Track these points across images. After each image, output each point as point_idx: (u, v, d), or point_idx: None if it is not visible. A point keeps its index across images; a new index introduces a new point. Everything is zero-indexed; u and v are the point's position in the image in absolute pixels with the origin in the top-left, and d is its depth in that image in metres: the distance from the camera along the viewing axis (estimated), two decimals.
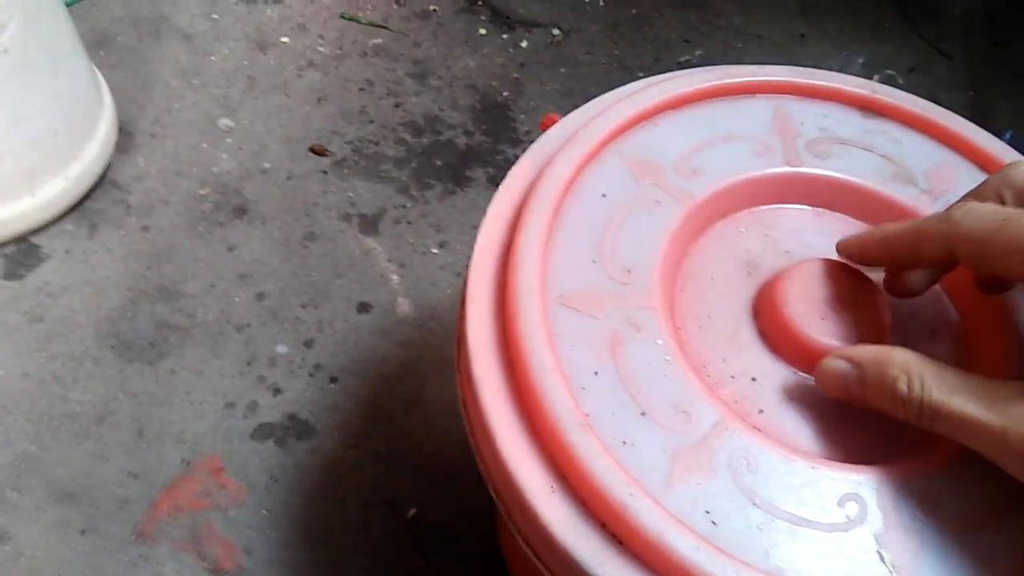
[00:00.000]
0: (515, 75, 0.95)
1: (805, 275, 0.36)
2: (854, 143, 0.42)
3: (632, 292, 0.36)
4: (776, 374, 0.36)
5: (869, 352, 0.32)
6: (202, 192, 0.80)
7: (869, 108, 0.44)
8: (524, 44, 0.99)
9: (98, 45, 0.89)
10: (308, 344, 0.72)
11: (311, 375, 0.70)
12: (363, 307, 0.75)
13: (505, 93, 0.93)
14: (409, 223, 0.81)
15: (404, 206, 0.82)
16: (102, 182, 0.79)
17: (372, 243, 0.79)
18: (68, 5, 0.81)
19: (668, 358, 0.34)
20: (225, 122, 0.86)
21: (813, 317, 0.35)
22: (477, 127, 0.89)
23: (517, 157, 0.44)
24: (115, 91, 0.83)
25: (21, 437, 0.64)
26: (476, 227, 0.40)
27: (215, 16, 0.95)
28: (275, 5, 0.97)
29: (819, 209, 0.42)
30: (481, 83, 0.94)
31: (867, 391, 0.31)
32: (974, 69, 1.04)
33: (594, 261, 0.37)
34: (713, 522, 0.30)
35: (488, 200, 0.41)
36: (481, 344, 0.36)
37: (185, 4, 0.95)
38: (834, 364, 0.33)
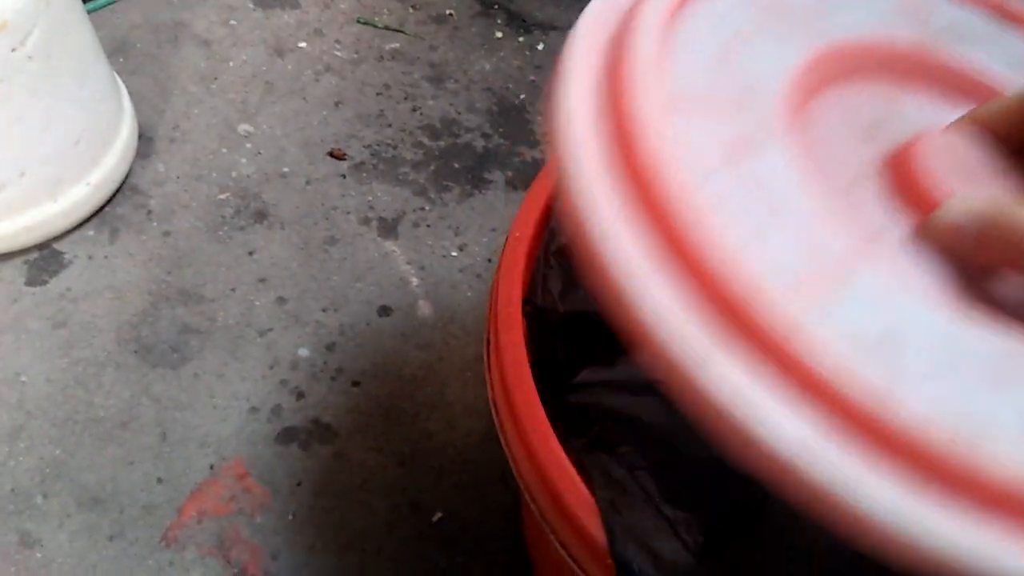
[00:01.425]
0: (532, 77, 0.95)
1: (942, 142, 0.32)
2: (985, 42, 0.40)
3: (755, 108, 0.31)
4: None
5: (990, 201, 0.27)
6: (222, 197, 0.81)
7: (1002, 14, 0.42)
8: (540, 47, 0.99)
9: (117, 52, 0.90)
10: (330, 348, 0.72)
11: (333, 378, 0.70)
12: (383, 310, 0.75)
13: (522, 96, 0.93)
14: (428, 226, 0.81)
15: (423, 209, 0.82)
16: (123, 188, 0.80)
17: (391, 246, 0.79)
18: (88, 13, 0.81)
19: (795, 176, 0.29)
20: (244, 127, 0.86)
21: (950, 183, 0.31)
22: (495, 129, 0.89)
23: (535, 159, 0.44)
24: (135, 97, 0.83)
25: (46, 442, 0.65)
26: (495, 229, 0.40)
27: (232, 22, 0.95)
28: (292, 11, 0.98)
29: (948, 95, 0.39)
30: (498, 86, 0.94)
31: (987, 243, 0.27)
32: None
33: (714, 72, 0.31)
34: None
35: (507, 202, 0.41)
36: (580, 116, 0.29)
37: (203, 10, 0.96)
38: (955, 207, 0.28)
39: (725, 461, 0.39)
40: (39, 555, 0.60)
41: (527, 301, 0.41)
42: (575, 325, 0.41)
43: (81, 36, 0.69)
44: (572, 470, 0.34)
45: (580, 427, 0.38)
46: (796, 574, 0.34)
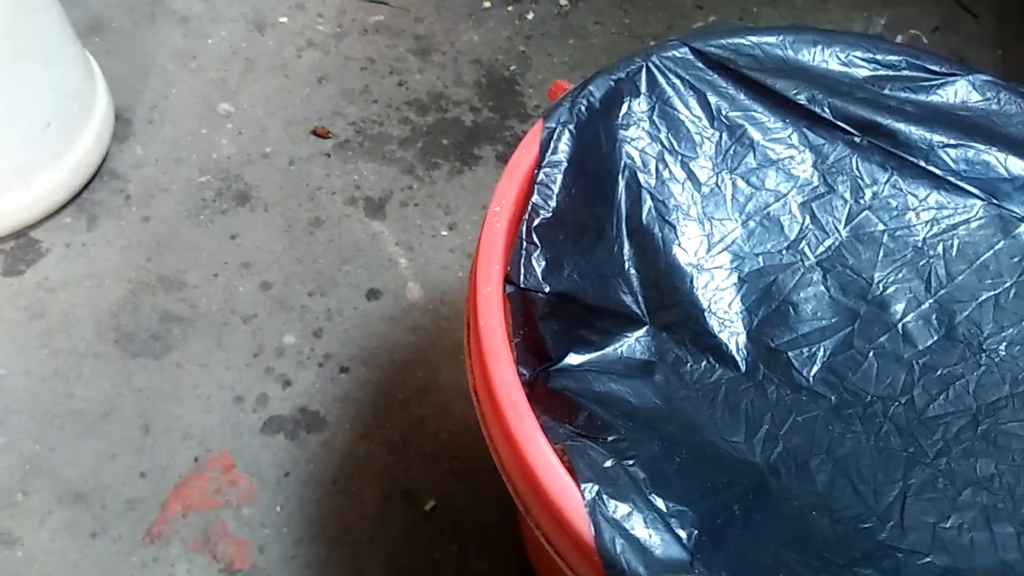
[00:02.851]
0: (522, 48, 0.92)
1: None
2: None
3: None
4: None
5: None
6: (203, 179, 0.78)
7: None
8: (530, 16, 0.95)
9: (92, 31, 0.87)
10: (317, 333, 0.70)
11: (321, 365, 0.68)
12: (372, 293, 0.72)
13: (512, 67, 0.90)
14: (416, 205, 0.78)
15: (411, 187, 0.79)
16: (100, 172, 0.77)
17: (379, 227, 0.76)
18: None
19: None
20: (224, 106, 0.83)
21: None
22: (484, 103, 0.86)
23: (526, 133, 0.41)
24: (110, 78, 0.80)
25: (26, 437, 0.63)
26: (486, 207, 0.38)
27: None
28: None
29: None
30: (486, 58, 0.90)
31: None
32: (1003, 26, 0.99)
33: None
34: None
35: (498, 178, 0.38)
36: None
37: None
38: None
39: (718, 447, 0.37)
40: (20, 554, 0.58)
41: (510, 282, 0.38)
42: (560, 306, 0.39)
43: (48, 15, 0.66)
44: (556, 462, 0.32)
45: (565, 414, 0.36)
46: (792, 565, 0.32)
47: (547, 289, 0.39)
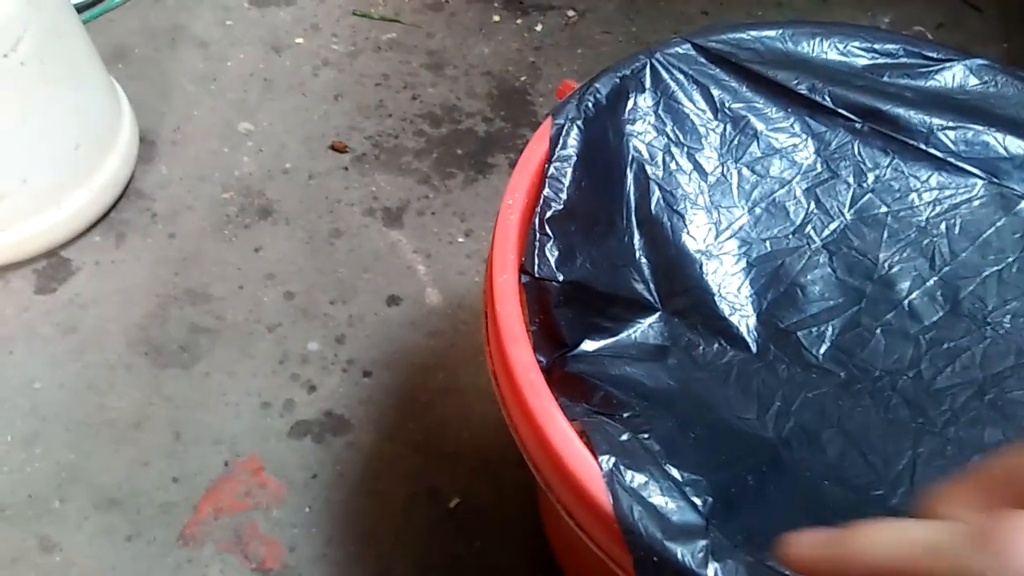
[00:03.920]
0: (531, 59, 0.94)
1: None
2: None
3: None
4: None
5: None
6: (225, 196, 0.80)
7: None
8: (539, 28, 0.97)
9: (116, 58, 0.90)
10: (339, 340, 0.71)
11: (344, 370, 0.70)
12: (392, 300, 0.74)
13: (522, 78, 0.92)
14: (433, 214, 0.80)
15: (427, 197, 0.81)
16: (127, 192, 0.80)
17: (397, 236, 0.78)
18: (85, 22, 0.81)
19: None
20: (244, 125, 0.86)
21: None
22: (496, 113, 0.88)
23: None
24: (135, 101, 0.83)
25: (62, 447, 0.65)
26: None
27: (229, 22, 0.95)
28: (287, 7, 0.97)
29: None
30: (497, 69, 0.93)
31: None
32: (1007, 20, 1.00)
33: None
34: None
35: None
36: None
37: (199, 12, 0.96)
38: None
39: (731, 424, 0.38)
40: (58, 559, 0.60)
41: (525, 272, 0.40)
42: (574, 294, 0.40)
43: (74, 41, 0.69)
44: (574, 436, 0.33)
45: (582, 395, 0.37)
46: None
47: (561, 278, 0.40)
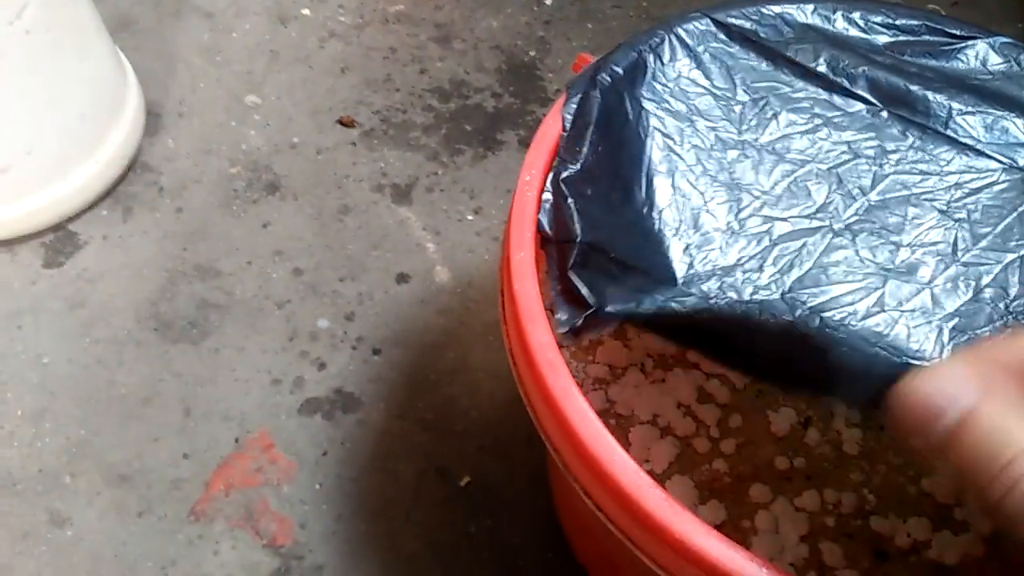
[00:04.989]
0: (541, 33, 0.93)
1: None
2: None
3: None
4: None
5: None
6: (233, 170, 0.80)
7: None
8: (548, 1, 0.96)
9: (120, 28, 0.89)
10: (349, 317, 0.71)
11: (354, 348, 0.69)
12: (401, 277, 0.74)
13: (532, 52, 0.91)
14: (442, 190, 0.79)
15: (436, 173, 0.81)
16: (134, 165, 0.79)
17: (406, 212, 0.78)
18: None
19: None
20: (251, 98, 0.85)
21: None
22: (505, 88, 0.87)
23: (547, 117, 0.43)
24: (140, 73, 0.82)
25: (71, 422, 0.65)
26: (510, 191, 0.39)
27: None
28: None
29: None
30: (506, 44, 0.91)
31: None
32: None
33: None
34: None
35: (521, 163, 0.39)
36: None
37: None
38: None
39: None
40: (69, 533, 0.60)
41: (541, 231, 0.39)
42: (592, 257, 0.40)
43: (79, 9, 0.68)
44: (592, 416, 0.33)
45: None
46: None
47: (579, 238, 0.39)
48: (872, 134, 0.45)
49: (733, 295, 0.41)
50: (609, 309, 0.36)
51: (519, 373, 0.37)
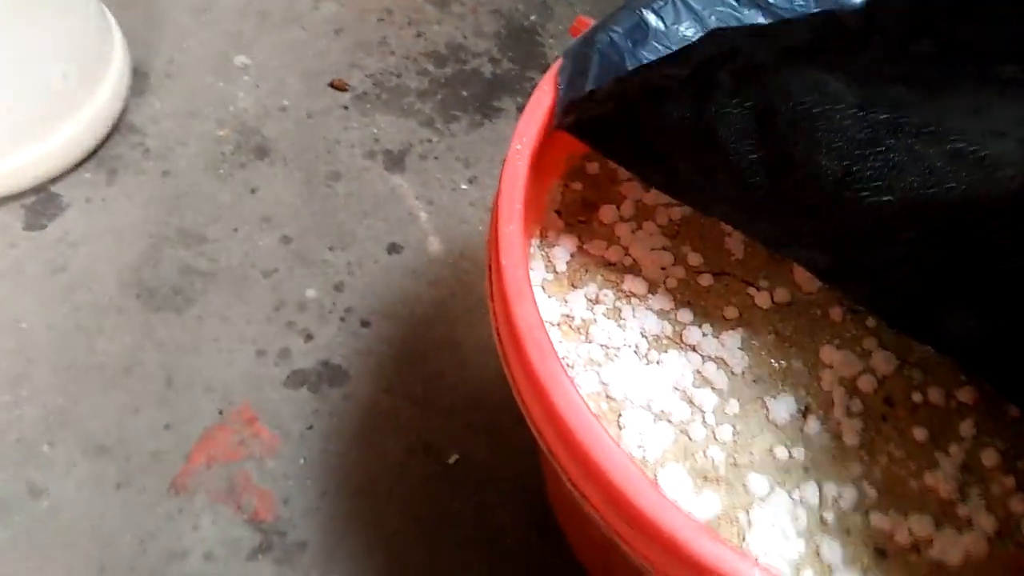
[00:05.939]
0: None
1: None
2: None
3: None
4: None
5: None
6: (221, 133, 0.77)
7: None
8: None
9: None
10: (338, 287, 0.69)
11: (342, 319, 0.68)
12: (392, 247, 0.72)
13: (532, 17, 0.88)
14: (436, 158, 0.77)
15: (430, 140, 0.78)
16: (119, 127, 0.76)
17: (399, 180, 0.75)
18: None
19: None
20: (240, 59, 0.82)
21: None
22: (503, 54, 0.84)
23: None
24: (126, 32, 0.79)
25: (50, 390, 0.63)
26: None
27: None
28: None
29: None
30: (506, 7, 0.88)
31: None
32: None
33: None
34: None
35: None
36: None
37: None
38: None
39: None
40: (46, 504, 0.58)
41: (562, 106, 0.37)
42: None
43: None
44: (579, 400, 0.31)
45: None
46: None
47: (592, 87, 0.37)
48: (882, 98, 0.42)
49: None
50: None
51: (505, 353, 0.35)
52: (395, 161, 0.76)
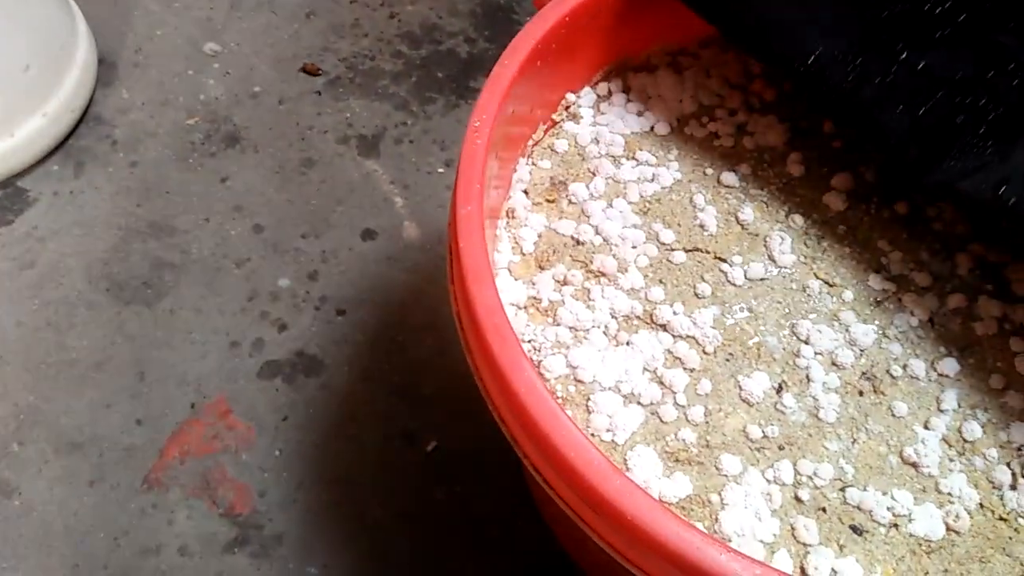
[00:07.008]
0: None
1: None
2: None
3: None
4: None
5: None
6: (190, 122, 0.76)
7: None
8: None
9: None
10: (312, 276, 0.68)
11: (317, 308, 0.66)
12: (367, 234, 0.70)
13: None
14: (411, 142, 0.75)
15: (405, 124, 0.76)
16: (86, 118, 0.75)
17: (373, 165, 0.74)
18: None
19: None
20: (210, 46, 0.80)
21: None
22: (479, 34, 0.83)
23: None
24: (92, 21, 0.77)
25: (20, 388, 0.62)
26: None
27: None
28: None
29: None
30: None
31: None
32: None
33: None
34: None
35: None
36: None
37: None
38: None
39: None
40: (17, 503, 0.57)
41: None
42: None
43: None
44: (540, 387, 0.30)
45: None
46: None
47: None
48: None
49: None
50: None
51: (465, 339, 0.34)
52: (369, 146, 0.75)
